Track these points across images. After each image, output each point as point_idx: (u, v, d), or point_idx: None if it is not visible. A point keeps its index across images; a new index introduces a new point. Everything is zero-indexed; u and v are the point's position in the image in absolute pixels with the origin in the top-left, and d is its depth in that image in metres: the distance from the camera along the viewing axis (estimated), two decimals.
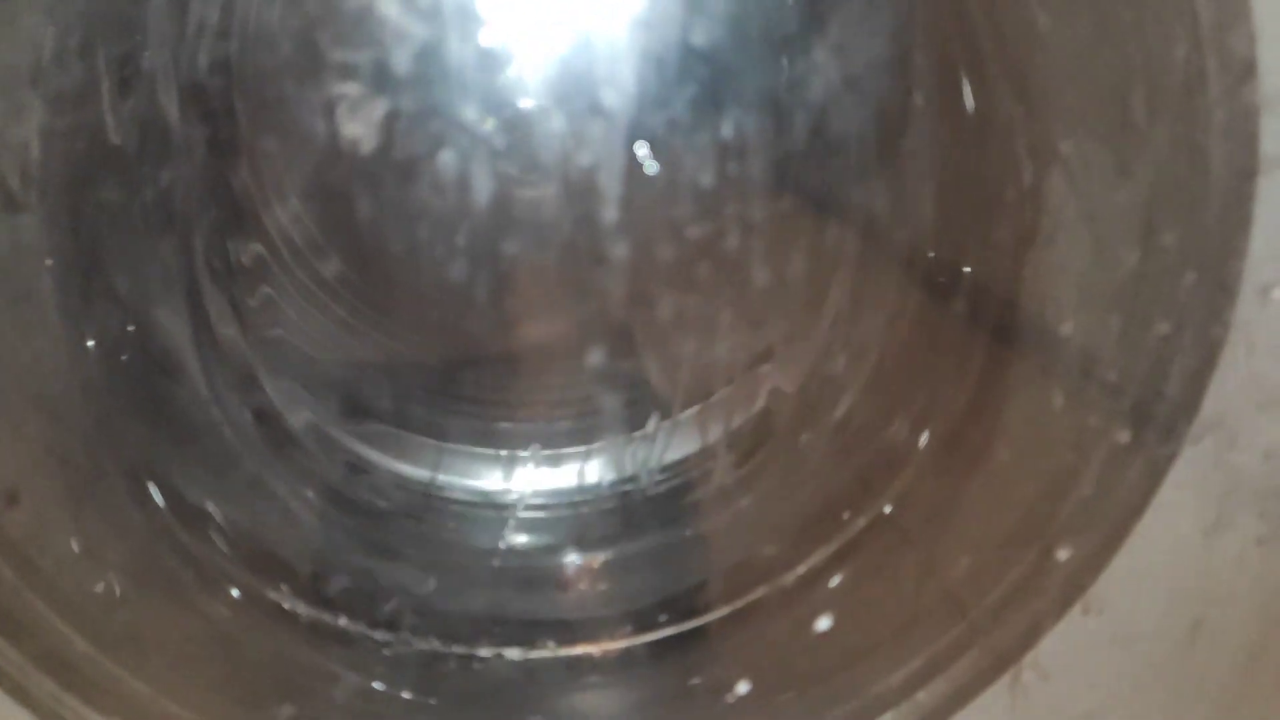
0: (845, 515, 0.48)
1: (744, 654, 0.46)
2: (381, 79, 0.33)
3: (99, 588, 0.42)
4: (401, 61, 0.32)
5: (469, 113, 0.31)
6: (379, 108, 0.34)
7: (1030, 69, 0.39)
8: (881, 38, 0.40)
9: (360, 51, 0.33)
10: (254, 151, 0.44)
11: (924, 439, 0.46)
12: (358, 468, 0.51)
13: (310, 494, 0.49)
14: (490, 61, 0.31)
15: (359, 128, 0.36)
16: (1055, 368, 0.39)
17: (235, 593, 0.43)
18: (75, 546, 0.42)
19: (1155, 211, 0.33)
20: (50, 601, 0.40)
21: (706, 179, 0.35)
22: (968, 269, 0.45)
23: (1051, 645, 0.38)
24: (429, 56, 0.32)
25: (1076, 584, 0.38)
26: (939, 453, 0.46)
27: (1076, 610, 0.37)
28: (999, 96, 0.40)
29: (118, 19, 0.38)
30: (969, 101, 0.40)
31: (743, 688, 0.41)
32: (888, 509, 0.47)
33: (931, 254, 0.45)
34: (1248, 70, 0.29)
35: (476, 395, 0.56)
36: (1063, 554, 0.36)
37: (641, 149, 0.33)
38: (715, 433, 0.54)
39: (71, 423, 0.42)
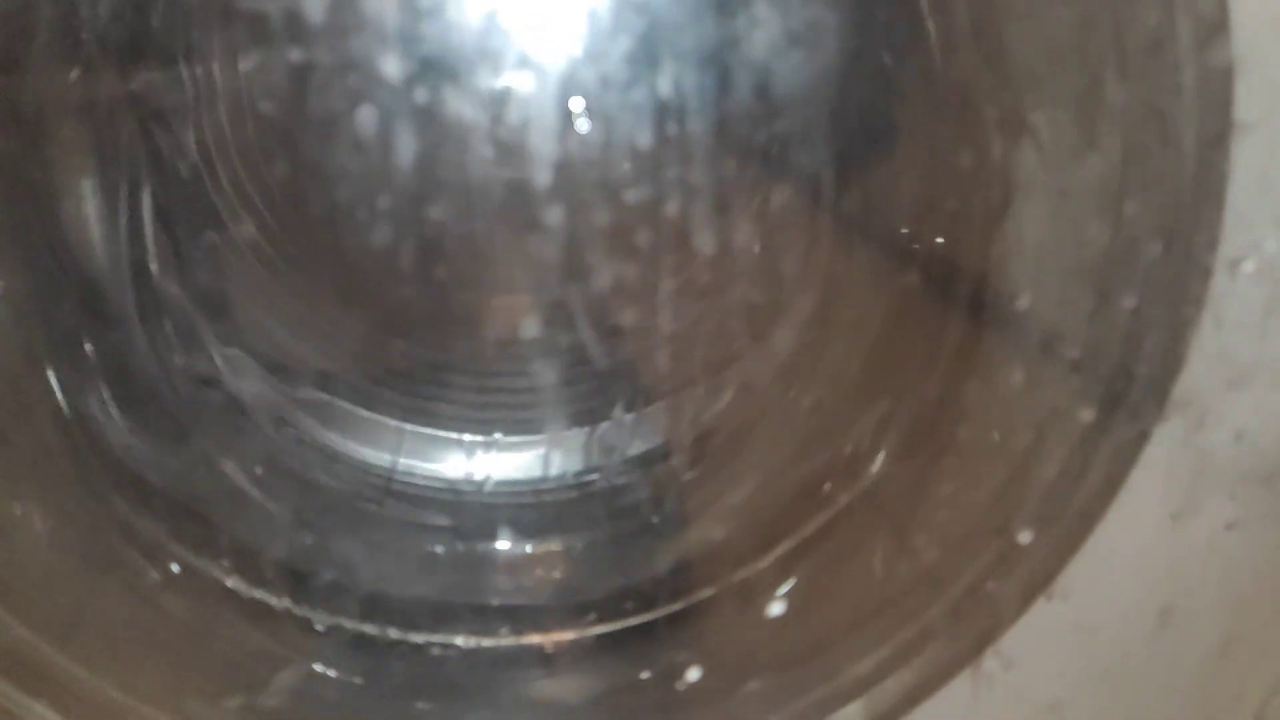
0: (809, 506, 0.47)
1: (702, 644, 0.45)
2: (296, 29, 0.31)
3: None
4: (316, 10, 0.31)
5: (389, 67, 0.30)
6: (291, 59, 0.33)
7: (1002, 36, 0.38)
8: None
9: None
10: (194, 110, 0.42)
11: (893, 426, 0.45)
12: (311, 446, 0.49)
13: (258, 469, 0.47)
14: (411, 11, 0.30)
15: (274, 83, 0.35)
16: (1018, 345, 0.38)
17: (175, 567, 0.42)
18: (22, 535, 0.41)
19: (1123, 182, 0.32)
20: None
21: (643, 140, 0.34)
22: (939, 240, 0.43)
23: (1016, 633, 0.36)
24: (345, 5, 0.30)
25: (1041, 570, 0.37)
26: (908, 438, 0.45)
27: (1041, 597, 0.36)
28: (969, 64, 0.39)
29: None
30: (939, 68, 0.39)
31: (693, 674, 0.40)
32: (852, 498, 0.46)
33: (904, 229, 0.44)
34: (1216, 30, 0.28)
35: (439, 379, 0.55)
36: (1025, 538, 0.35)
37: (577, 106, 0.32)
38: (680, 425, 0.53)
39: (12, 396, 0.40)
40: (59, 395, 0.42)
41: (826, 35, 0.36)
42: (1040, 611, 0.36)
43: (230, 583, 0.43)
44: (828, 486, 0.44)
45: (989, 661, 0.36)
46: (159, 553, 0.44)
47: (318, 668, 0.43)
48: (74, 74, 0.38)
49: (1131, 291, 0.32)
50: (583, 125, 0.33)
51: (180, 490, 0.46)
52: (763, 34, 0.34)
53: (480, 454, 0.54)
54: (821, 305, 0.47)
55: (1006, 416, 0.38)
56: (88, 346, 0.43)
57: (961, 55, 0.39)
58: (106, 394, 0.43)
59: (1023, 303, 0.36)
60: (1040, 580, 0.37)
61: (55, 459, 0.42)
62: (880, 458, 0.44)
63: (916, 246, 0.44)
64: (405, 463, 0.53)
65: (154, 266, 0.45)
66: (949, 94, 0.40)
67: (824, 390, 0.47)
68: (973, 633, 0.37)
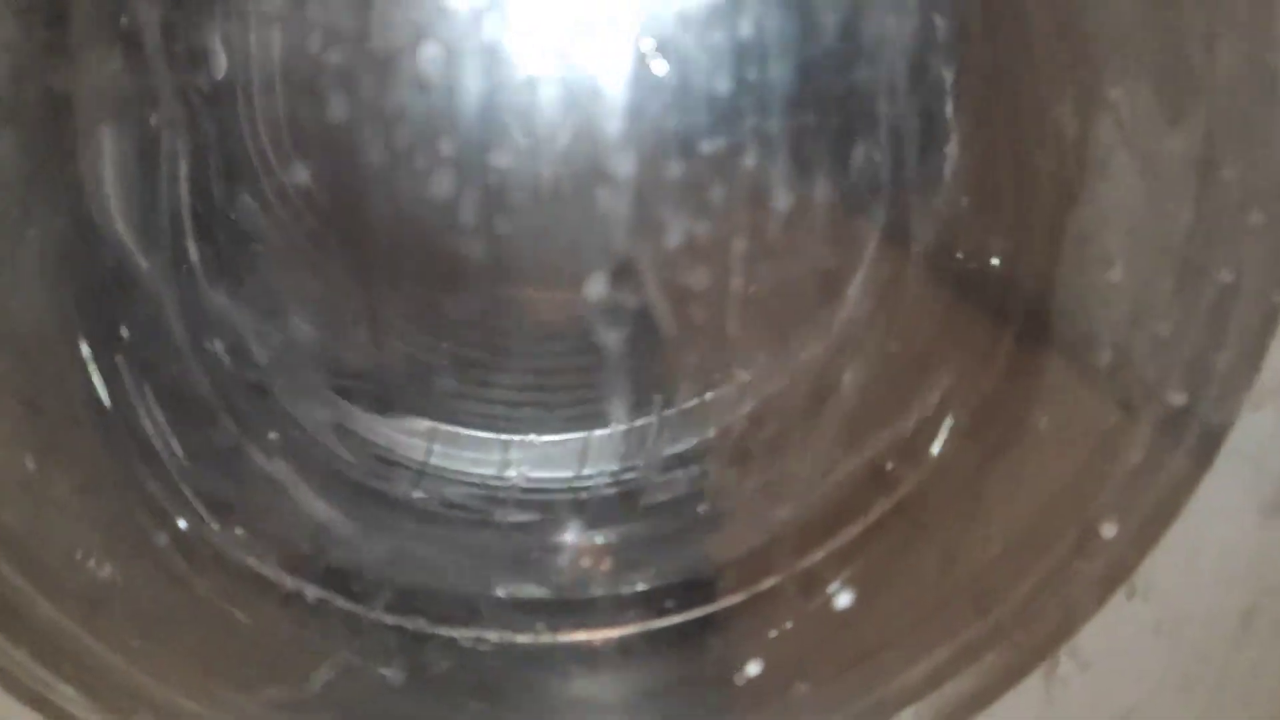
0: (861, 502, 0.45)
1: (754, 643, 0.43)
2: None
3: (78, 555, 0.40)
4: None
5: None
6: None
7: (1077, 5, 0.36)
8: None
9: None
10: (249, 98, 0.42)
11: (956, 403, 0.43)
12: (345, 434, 0.48)
13: (290, 456, 0.46)
14: None
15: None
16: (1100, 325, 0.36)
17: (205, 552, 0.40)
18: (50, 509, 0.40)
19: (1215, 148, 0.31)
20: (16, 563, 0.38)
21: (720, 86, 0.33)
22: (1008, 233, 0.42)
23: (1091, 633, 0.34)
24: None
25: (1120, 565, 0.35)
26: (974, 417, 0.43)
27: (1119, 595, 0.34)
28: (1040, 36, 0.38)
29: None
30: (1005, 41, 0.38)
31: (753, 668, 0.38)
32: (915, 482, 0.44)
33: (958, 218, 0.43)
34: None
35: (476, 375, 0.53)
36: (1108, 530, 0.33)
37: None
38: (722, 420, 0.51)
39: (44, 365, 0.39)
40: (90, 365, 0.41)
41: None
42: (1118, 610, 0.34)
43: (263, 570, 0.42)
44: (889, 466, 0.42)
45: (1063, 663, 0.34)
46: (188, 535, 0.43)
47: (354, 661, 0.41)
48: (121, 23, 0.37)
49: (1226, 265, 0.31)
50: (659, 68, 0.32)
51: (210, 473, 0.45)
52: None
53: (516, 450, 0.52)
54: (879, 279, 0.45)
55: (1088, 400, 0.36)
56: (119, 318, 0.42)
57: (1031, 25, 0.38)
58: (137, 369, 0.41)
59: (1113, 277, 0.34)
60: (1118, 576, 0.35)
61: (85, 429, 0.41)
62: (942, 437, 0.42)
63: (970, 242, 0.43)
64: (439, 454, 0.52)
65: (191, 248, 0.44)
66: (1018, 71, 0.38)
67: (882, 365, 0.45)
68: (1046, 630, 0.35)
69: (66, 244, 0.40)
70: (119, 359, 0.41)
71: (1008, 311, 0.42)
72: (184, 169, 0.41)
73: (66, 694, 0.36)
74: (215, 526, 0.43)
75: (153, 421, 0.43)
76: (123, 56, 0.38)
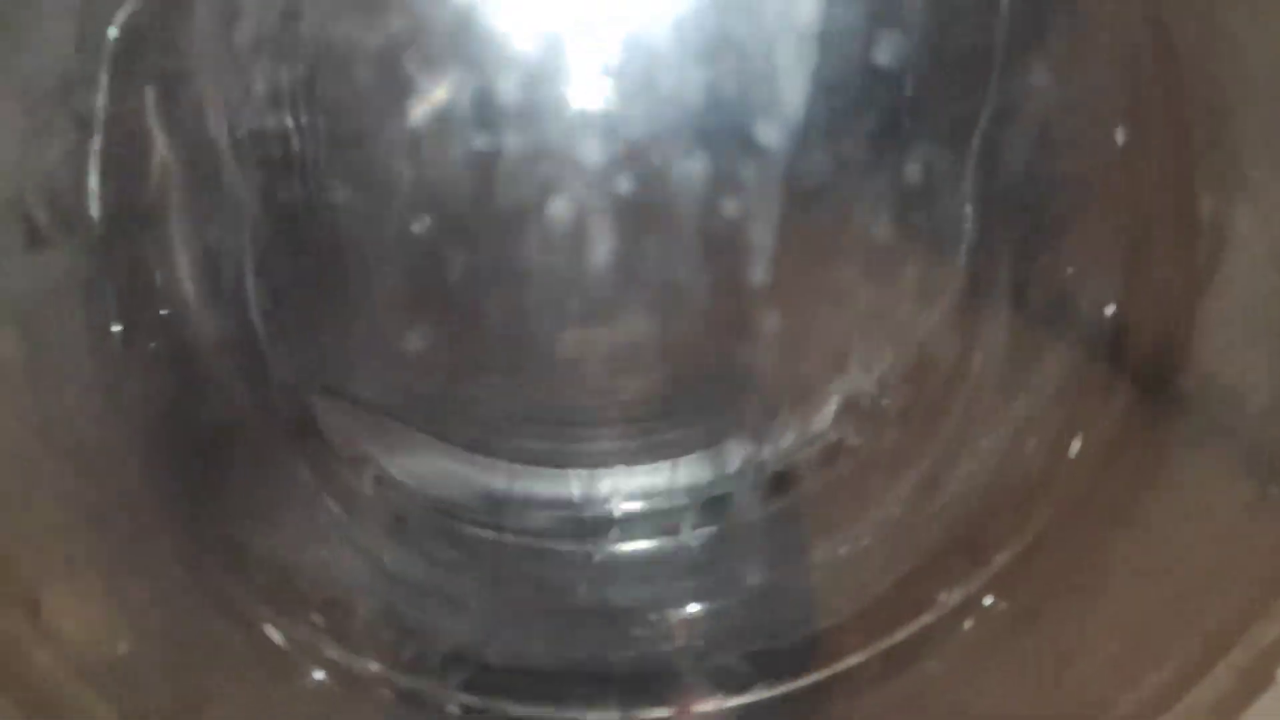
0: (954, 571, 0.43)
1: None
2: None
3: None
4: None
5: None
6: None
7: (1217, 78, 0.33)
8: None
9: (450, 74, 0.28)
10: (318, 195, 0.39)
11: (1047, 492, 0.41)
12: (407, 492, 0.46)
13: (368, 541, 0.44)
14: None
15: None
16: (1234, 426, 0.34)
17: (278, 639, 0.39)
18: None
19: None
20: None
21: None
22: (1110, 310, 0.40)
23: None
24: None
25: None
26: (1075, 497, 0.41)
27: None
28: (1177, 109, 0.35)
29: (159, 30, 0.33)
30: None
31: None
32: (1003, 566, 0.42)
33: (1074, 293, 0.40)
34: None
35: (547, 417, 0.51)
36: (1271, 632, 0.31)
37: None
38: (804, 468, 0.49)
39: (111, 479, 0.37)
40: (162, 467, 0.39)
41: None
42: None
43: (355, 666, 0.40)
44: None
45: None
46: (257, 627, 0.41)
47: None
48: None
49: None
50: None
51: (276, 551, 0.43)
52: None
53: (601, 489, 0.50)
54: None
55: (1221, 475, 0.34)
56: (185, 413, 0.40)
57: (1165, 96, 0.35)
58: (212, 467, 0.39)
59: (1250, 380, 0.32)
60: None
61: (155, 539, 0.39)
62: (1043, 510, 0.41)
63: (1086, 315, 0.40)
64: (515, 506, 0.50)
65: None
66: (1149, 142, 0.36)
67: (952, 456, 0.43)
68: None
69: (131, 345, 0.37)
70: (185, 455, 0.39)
71: (1120, 380, 0.40)
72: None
73: None
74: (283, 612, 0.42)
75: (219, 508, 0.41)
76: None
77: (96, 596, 0.37)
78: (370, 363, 0.47)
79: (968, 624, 0.41)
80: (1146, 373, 0.39)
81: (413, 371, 0.47)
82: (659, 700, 0.44)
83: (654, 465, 0.49)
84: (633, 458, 0.49)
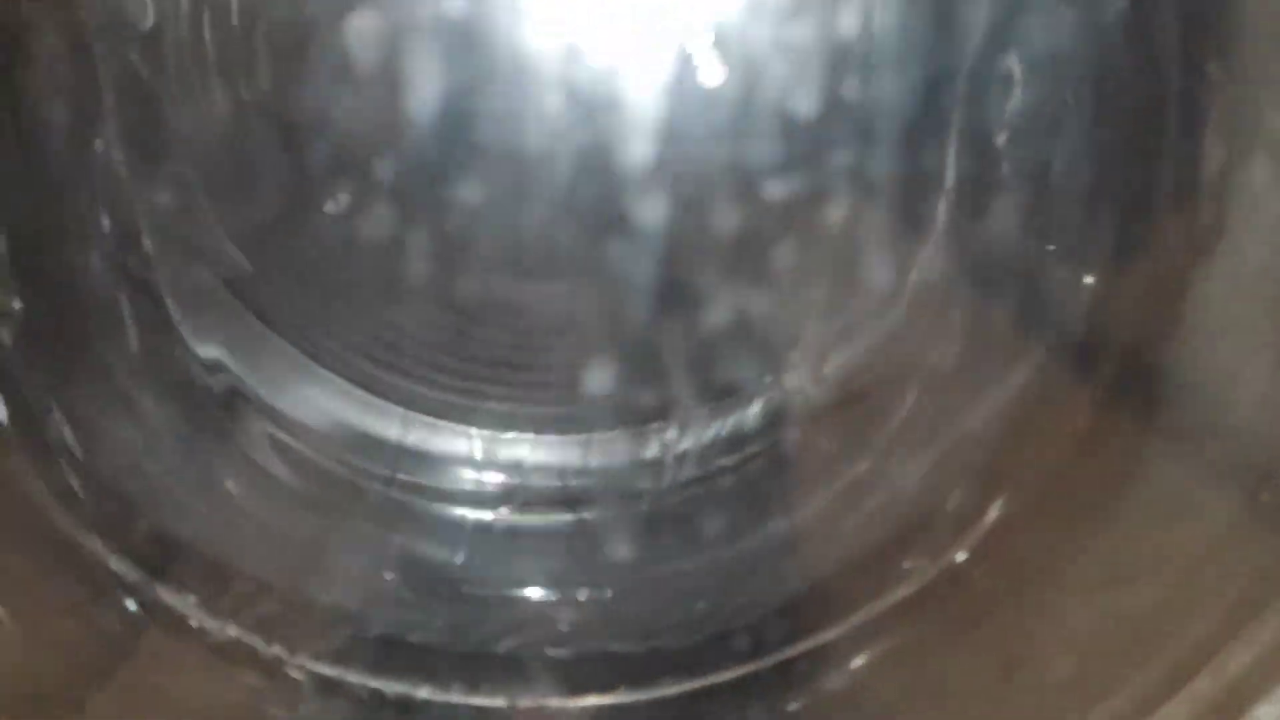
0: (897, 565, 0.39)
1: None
2: None
3: None
4: None
5: None
6: None
7: (1233, 15, 0.29)
8: None
9: None
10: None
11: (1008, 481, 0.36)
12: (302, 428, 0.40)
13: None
14: None
15: None
16: (1224, 409, 0.29)
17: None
18: None
19: None
20: None
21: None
22: (1089, 279, 0.35)
23: None
24: None
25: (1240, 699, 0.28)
26: (1030, 501, 0.36)
27: None
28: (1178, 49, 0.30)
29: None
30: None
31: None
32: (954, 562, 0.37)
33: (1051, 247, 0.35)
34: None
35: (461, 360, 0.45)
36: (1233, 665, 0.27)
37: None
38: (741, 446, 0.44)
39: None
40: None
41: None
42: None
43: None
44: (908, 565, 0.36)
45: None
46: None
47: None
48: None
49: None
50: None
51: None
52: None
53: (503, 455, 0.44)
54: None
55: (1192, 486, 0.29)
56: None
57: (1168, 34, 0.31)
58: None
59: (1246, 348, 0.28)
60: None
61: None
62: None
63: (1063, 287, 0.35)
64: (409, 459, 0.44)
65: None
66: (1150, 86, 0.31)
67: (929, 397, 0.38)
68: None
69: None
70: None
71: (1095, 367, 0.35)
72: None
73: None
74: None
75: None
76: None
77: None
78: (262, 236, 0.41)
79: (898, 629, 0.36)
80: (1126, 361, 0.34)
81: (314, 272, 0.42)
82: (531, 689, 0.38)
83: (565, 438, 0.44)
84: (542, 426, 0.44)
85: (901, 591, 0.38)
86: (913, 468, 0.40)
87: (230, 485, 0.38)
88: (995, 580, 0.36)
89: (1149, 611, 0.31)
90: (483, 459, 0.43)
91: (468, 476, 0.42)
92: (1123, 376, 0.34)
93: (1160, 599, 0.31)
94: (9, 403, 0.32)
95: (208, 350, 0.38)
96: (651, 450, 0.44)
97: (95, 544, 0.35)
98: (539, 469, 0.43)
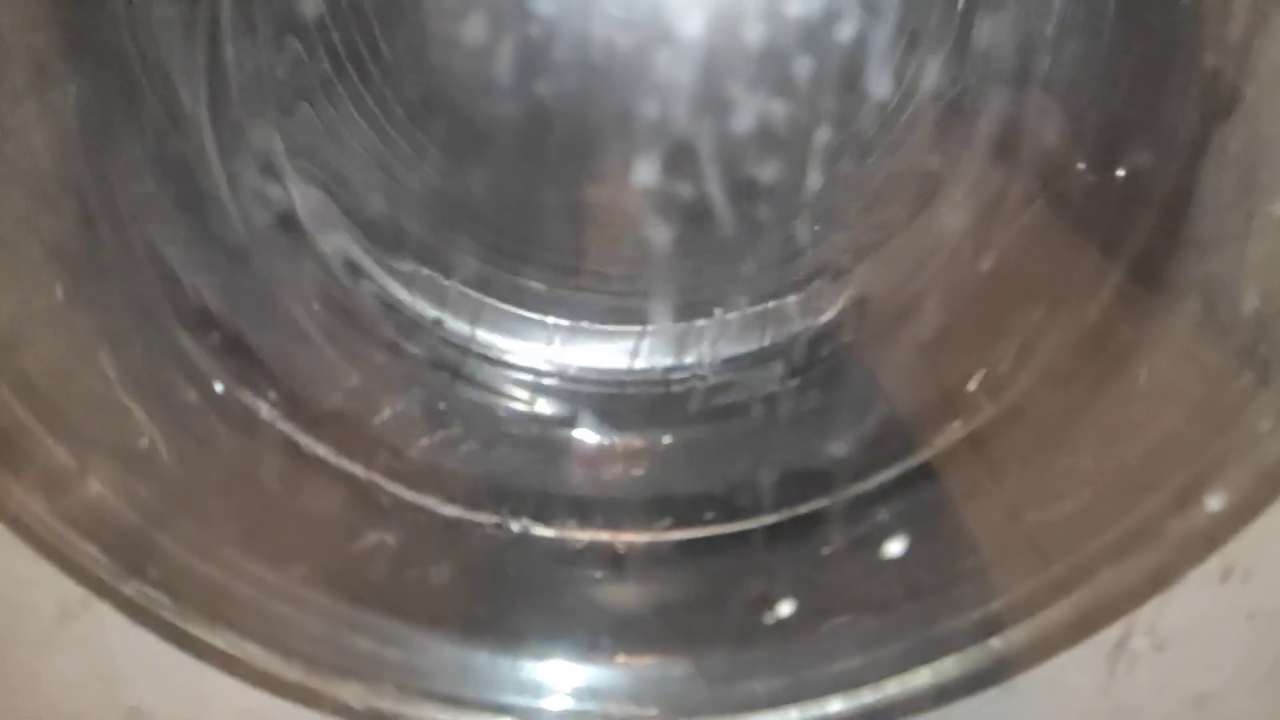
0: (925, 431, 0.41)
1: (793, 570, 0.40)
2: None
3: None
4: None
5: None
6: None
7: None
8: None
9: None
10: None
11: (1047, 340, 0.39)
12: (384, 303, 0.45)
13: (319, 310, 0.44)
14: None
15: None
16: (1243, 270, 0.31)
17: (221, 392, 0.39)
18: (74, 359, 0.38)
19: None
20: (33, 408, 0.37)
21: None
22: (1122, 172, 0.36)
23: (1174, 612, 0.31)
24: None
25: (1212, 540, 0.31)
26: (1055, 369, 0.38)
27: (1214, 573, 0.30)
28: None
29: None
30: None
31: (785, 609, 0.35)
32: (979, 426, 0.40)
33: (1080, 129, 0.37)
34: None
35: (529, 255, 0.50)
36: (1213, 503, 0.29)
37: None
38: (783, 330, 0.47)
39: (68, 208, 0.37)
40: (124, 210, 0.38)
41: None
42: (1209, 590, 0.30)
43: (296, 436, 0.40)
44: (970, 390, 0.38)
45: (1136, 639, 0.31)
46: (221, 397, 0.41)
47: (379, 537, 0.40)
48: None
49: None
50: None
51: (236, 320, 0.42)
52: None
53: (562, 339, 0.49)
54: (983, 187, 0.40)
55: (1204, 350, 0.31)
56: (156, 164, 0.39)
57: None
58: (173, 211, 0.39)
59: (1270, 211, 0.29)
60: (1209, 551, 0.31)
61: (112, 279, 0.39)
62: (1029, 372, 0.38)
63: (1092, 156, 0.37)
64: (483, 336, 0.49)
65: (234, 85, 0.40)
66: None
67: (971, 284, 0.40)
68: (1116, 596, 0.32)
69: (98, 83, 0.37)
70: (150, 204, 0.39)
71: (1121, 242, 0.37)
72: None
73: (78, 545, 0.35)
74: (237, 377, 0.41)
75: (182, 260, 0.41)
76: None
77: (50, 324, 0.38)
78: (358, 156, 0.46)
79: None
80: (1145, 251, 0.36)
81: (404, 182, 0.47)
82: (608, 524, 0.43)
83: (619, 328, 0.48)
84: (602, 315, 0.48)
85: (925, 453, 0.41)
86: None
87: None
88: (1011, 441, 0.38)
89: (1142, 459, 0.33)
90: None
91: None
92: (1144, 249, 0.36)
93: (1154, 447, 0.33)
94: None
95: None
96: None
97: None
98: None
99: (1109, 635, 0.31)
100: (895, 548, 0.36)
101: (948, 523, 0.39)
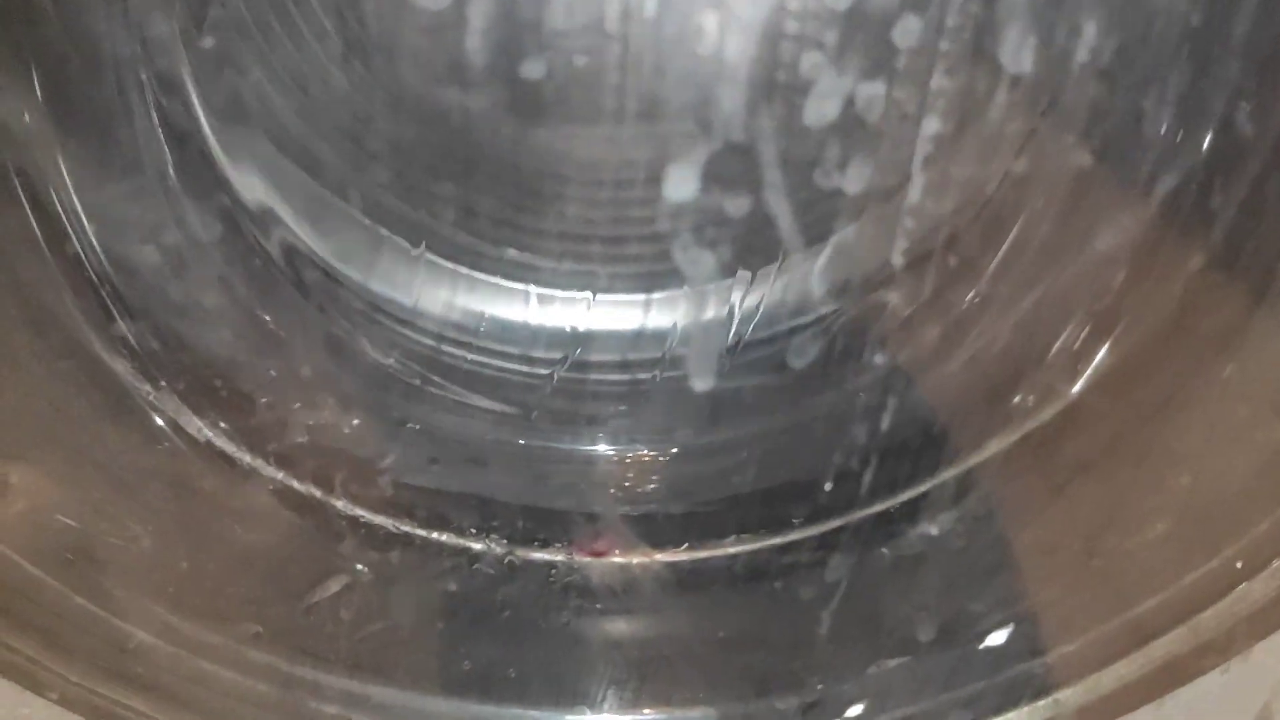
0: (971, 435, 0.36)
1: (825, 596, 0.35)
2: None
3: None
4: None
5: None
6: None
7: None
8: None
9: None
10: None
11: (1101, 348, 0.33)
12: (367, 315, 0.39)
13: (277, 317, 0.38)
14: None
15: None
16: None
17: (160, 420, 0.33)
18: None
19: None
20: None
21: None
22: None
23: None
24: None
25: None
26: (1124, 367, 0.33)
27: None
28: None
29: None
30: None
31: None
32: (1035, 429, 0.35)
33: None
34: None
35: (509, 219, 0.43)
36: None
37: None
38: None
39: None
40: None
41: None
42: None
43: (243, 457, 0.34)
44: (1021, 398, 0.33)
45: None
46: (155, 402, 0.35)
47: (341, 580, 0.34)
48: None
49: None
50: None
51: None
52: None
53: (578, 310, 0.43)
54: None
55: None
56: None
57: None
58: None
59: None
60: None
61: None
62: (1091, 367, 0.33)
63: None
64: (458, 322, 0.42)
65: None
66: None
67: (1033, 266, 0.35)
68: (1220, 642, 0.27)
69: None
70: None
71: (1205, 222, 0.31)
72: None
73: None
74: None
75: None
76: None
77: None
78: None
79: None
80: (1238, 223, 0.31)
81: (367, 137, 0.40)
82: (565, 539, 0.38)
83: (627, 296, 0.42)
84: (605, 284, 0.42)
85: (997, 444, 0.35)
86: (1016, 306, 0.36)
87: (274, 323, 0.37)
88: (1077, 450, 0.33)
89: (1242, 474, 0.28)
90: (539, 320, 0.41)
91: (525, 336, 0.41)
92: (1233, 237, 0.30)
93: (1255, 459, 0.28)
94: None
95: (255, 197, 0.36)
96: (719, 308, 0.41)
97: (145, 386, 0.35)
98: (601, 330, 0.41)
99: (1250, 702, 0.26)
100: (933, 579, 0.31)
101: (995, 551, 0.34)
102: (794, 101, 0.30)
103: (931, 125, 0.29)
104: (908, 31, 0.27)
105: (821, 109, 0.29)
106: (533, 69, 0.34)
